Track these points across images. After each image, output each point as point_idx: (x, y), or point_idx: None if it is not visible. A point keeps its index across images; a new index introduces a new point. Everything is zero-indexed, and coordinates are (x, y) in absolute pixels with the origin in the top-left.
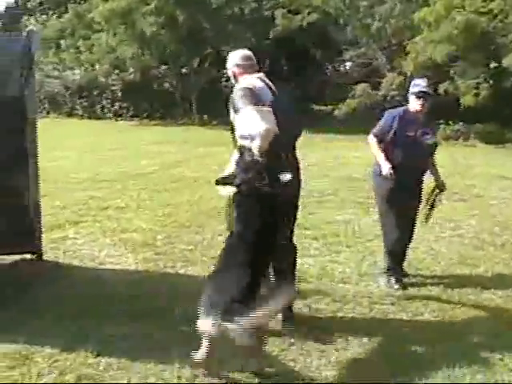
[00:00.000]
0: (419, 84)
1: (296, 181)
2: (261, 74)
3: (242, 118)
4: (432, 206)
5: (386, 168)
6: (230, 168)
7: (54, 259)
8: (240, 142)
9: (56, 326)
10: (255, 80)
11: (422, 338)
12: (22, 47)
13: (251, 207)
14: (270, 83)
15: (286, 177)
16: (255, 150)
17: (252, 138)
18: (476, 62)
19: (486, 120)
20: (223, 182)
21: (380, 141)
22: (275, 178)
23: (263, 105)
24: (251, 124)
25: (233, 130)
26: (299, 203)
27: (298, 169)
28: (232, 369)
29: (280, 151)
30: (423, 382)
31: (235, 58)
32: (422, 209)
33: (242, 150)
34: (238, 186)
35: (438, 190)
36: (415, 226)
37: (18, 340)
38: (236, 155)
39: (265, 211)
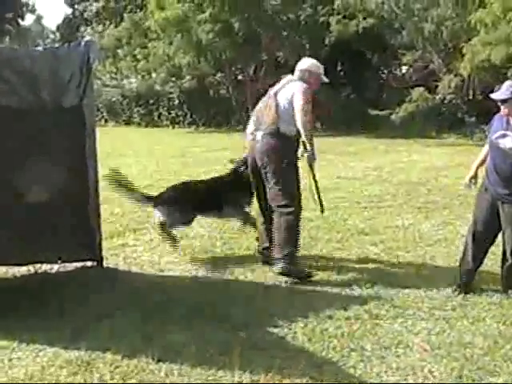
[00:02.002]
0: (497, 91)
1: None
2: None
3: None
4: None
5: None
6: None
7: (114, 266)
8: None
9: (118, 333)
10: None
11: (484, 344)
12: (81, 57)
13: None
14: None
15: None
16: None
17: None
18: None
19: None
20: None
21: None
22: None
23: None
24: None
25: None
26: None
27: None
28: None
29: None
30: None
31: None
32: None
33: None
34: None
35: None
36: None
37: (80, 346)
38: None
39: None
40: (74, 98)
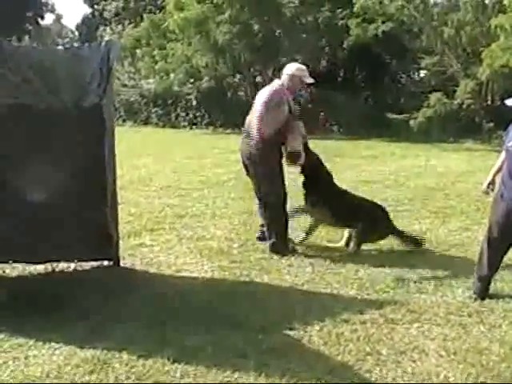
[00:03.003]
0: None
1: None
2: None
3: None
4: None
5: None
6: None
7: (131, 266)
8: None
9: (134, 333)
10: None
11: (501, 350)
12: (102, 57)
13: None
14: None
15: None
16: None
17: None
18: None
19: None
20: None
21: None
22: None
23: None
24: None
25: None
26: None
27: None
28: None
29: None
30: None
31: None
32: None
33: None
34: None
35: None
36: None
37: (97, 346)
38: None
39: None
40: (93, 97)
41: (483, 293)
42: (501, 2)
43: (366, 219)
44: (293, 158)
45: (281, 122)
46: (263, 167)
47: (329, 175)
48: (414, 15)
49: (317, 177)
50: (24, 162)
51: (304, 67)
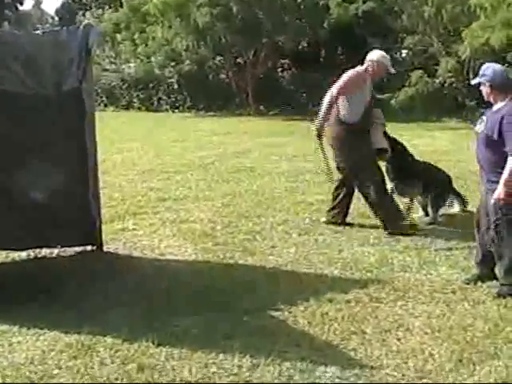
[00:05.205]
0: None
1: None
2: None
3: None
4: None
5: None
6: None
7: (114, 251)
8: None
9: (118, 317)
10: None
11: (485, 327)
12: (80, 41)
13: None
14: None
15: None
16: None
17: None
18: None
19: None
20: None
21: None
22: None
23: None
24: None
25: None
26: None
27: None
28: None
29: None
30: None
31: None
32: None
33: None
34: None
35: None
36: None
37: (81, 331)
38: None
39: None
40: (73, 82)
41: (479, 278)
42: None
43: (440, 186)
44: (382, 155)
45: (365, 105)
46: (356, 154)
47: (410, 155)
48: None
49: (404, 160)
50: (7, 149)
51: (388, 56)
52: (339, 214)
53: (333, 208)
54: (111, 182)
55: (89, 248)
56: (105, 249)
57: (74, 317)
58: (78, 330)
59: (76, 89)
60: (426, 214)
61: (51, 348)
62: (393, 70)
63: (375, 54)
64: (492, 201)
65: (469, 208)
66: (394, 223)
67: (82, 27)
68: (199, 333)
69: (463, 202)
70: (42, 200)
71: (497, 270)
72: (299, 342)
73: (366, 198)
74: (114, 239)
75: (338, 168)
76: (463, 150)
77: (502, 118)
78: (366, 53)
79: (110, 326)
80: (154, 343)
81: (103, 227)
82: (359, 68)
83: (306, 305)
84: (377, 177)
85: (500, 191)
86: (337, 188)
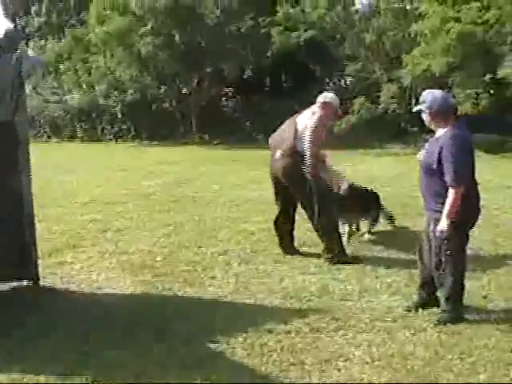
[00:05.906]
0: None
1: None
2: None
3: None
4: None
5: None
6: None
7: (51, 285)
8: None
9: (54, 353)
10: None
11: (425, 354)
12: (12, 70)
13: None
14: None
15: None
16: None
17: None
18: (474, 72)
19: (486, 130)
20: None
21: None
22: None
23: None
24: None
25: None
26: None
27: None
28: None
29: None
30: None
31: None
32: None
33: None
34: None
35: None
36: None
37: (12, 368)
38: None
39: None
40: (6, 112)
41: (422, 305)
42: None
43: (375, 207)
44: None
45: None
46: (316, 184)
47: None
48: (336, 22)
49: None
50: None
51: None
52: (290, 243)
53: (281, 239)
54: (51, 215)
55: (24, 283)
56: (41, 283)
57: (7, 354)
58: (10, 368)
59: (9, 119)
60: (357, 229)
61: None
62: (340, 112)
63: (327, 97)
64: (437, 233)
65: (396, 224)
66: (338, 253)
67: (14, 56)
68: (135, 366)
69: (391, 218)
70: None
71: (438, 296)
72: (236, 374)
73: (316, 225)
74: (51, 273)
75: (279, 200)
76: (403, 175)
77: (441, 148)
78: (310, 80)
79: (45, 362)
80: (87, 380)
81: (40, 262)
82: (315, 110)
83: (244, 336)
84: (331, 208)
85: (443, 224)
86: (277, 221)
